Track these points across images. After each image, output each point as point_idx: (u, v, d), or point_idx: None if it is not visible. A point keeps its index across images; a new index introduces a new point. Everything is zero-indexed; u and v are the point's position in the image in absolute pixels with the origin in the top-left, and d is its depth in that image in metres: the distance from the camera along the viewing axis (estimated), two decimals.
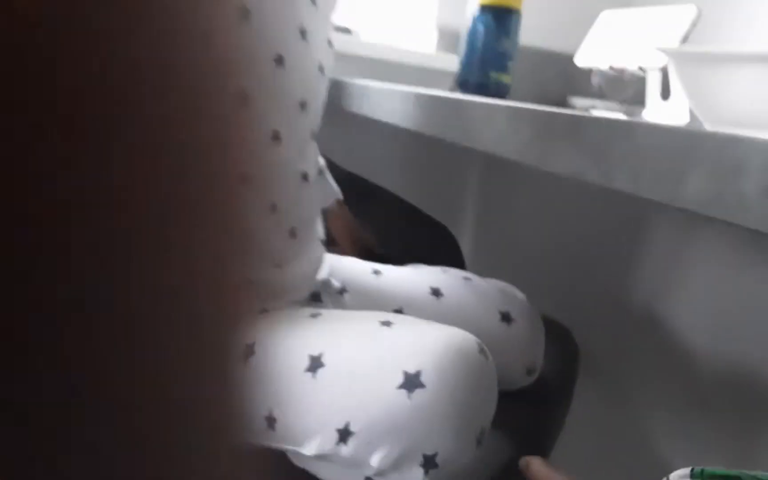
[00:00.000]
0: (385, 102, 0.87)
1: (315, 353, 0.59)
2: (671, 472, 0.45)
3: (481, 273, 0.86)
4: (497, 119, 0.62)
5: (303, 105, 0.71)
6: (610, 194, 1.01)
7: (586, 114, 0.50)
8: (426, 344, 0.56)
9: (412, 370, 0.53)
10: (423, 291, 0.80)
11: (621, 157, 0.45)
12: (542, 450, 0.79)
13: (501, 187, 1.19)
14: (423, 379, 0.53)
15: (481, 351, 0.56)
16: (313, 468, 0.60)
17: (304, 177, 0.74)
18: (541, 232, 1.13)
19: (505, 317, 0.77)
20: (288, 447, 0.59)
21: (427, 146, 1.30)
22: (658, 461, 0.99)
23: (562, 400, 0.85)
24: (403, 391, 0.53)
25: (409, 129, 0.82)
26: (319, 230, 0.83)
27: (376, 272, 0.83)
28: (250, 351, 0.66)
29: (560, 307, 0.99)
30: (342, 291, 0.80)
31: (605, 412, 1.07)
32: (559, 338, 0.91)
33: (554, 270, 1.11)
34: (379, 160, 1.27)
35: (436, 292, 0.79)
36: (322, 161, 0.97)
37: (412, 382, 0.53)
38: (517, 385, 0.79)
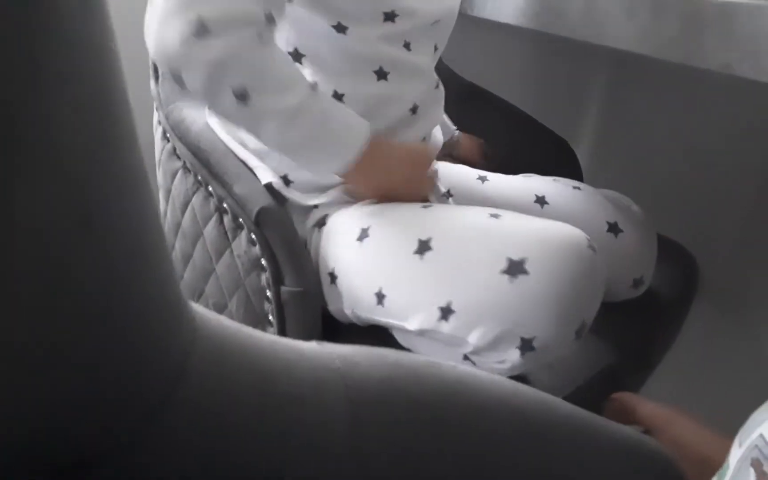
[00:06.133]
0: (508, 2, 0.85)
1: (423, 238, 0.62)
2: None
3: (600, 187, 0.83)
4: (639, 13, 0.58)
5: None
6: (761, 97, 0.91)
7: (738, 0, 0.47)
8: (533, 234, 0.56)
9: (516, 257, 0.55)
10: (527, 199, 0.80)
11: None
12: (647, 364, 0.78)
13: (628, 93, 1.12)
14: (527, 266, 0.54)
15: (590, 246, 0.56)
16: (416, 346, 0.64)
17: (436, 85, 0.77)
18: (671, 144, 1.06)
19: (613, 228, 0.76)
20: (393, 322, 0.64)
21: (548, 52, 1.25)
22: None
23: (673, 319, 0.83)
24: (505, 277, 0.54)
25: (533, 29, 0.79)
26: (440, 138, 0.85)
27: (482, 178, 0.85)
28: (364, 234, 0.72)
29: (685, 227, 0.94)
30: (447, 194, 0.82)
31: (721, 340, 1.01)
32: (677, 257, 0.87)
33: (683, 187, 1.04)
34: (498, 68, 1.24)
35: (540, 200, 0.79)
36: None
37: (515, 268, 0.54)
38: (622, 296, 0.77)
